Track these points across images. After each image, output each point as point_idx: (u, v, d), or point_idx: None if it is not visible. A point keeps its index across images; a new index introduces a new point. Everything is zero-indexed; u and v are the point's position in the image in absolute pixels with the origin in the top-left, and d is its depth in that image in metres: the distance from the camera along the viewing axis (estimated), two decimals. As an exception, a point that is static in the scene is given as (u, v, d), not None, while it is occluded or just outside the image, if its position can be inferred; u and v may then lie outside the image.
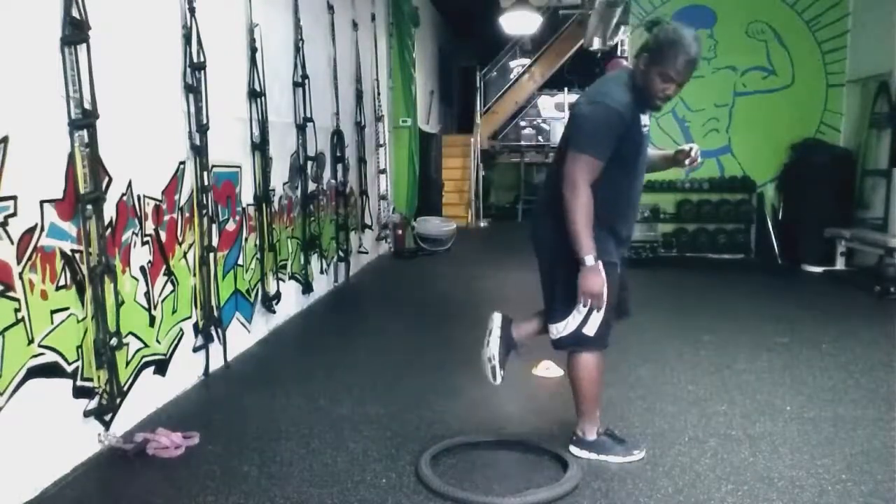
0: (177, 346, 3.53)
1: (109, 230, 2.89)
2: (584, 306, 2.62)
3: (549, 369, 3.88)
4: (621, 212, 2.75)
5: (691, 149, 2.82)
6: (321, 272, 5.91)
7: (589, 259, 2.54)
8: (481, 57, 14.12)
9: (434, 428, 3.10)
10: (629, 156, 2.66)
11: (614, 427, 3.00)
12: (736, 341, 4.51)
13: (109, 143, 2.83)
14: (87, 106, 2.67)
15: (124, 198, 3.05)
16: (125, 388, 3.01)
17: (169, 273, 3.46)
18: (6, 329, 2.36)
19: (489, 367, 2.84)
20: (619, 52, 11.37)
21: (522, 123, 14.95)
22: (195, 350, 3.71)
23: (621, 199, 2.73)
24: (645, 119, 2.70)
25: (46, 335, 2.56)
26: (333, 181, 6.23)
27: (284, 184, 5.06)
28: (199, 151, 3.64)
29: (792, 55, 7.84)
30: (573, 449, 2.83)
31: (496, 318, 2.88)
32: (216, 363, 3.88)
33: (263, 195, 4.53)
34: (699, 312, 5.42)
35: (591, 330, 2.70)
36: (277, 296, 4.77)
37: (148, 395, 3.25)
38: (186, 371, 3.62)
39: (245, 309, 4.37)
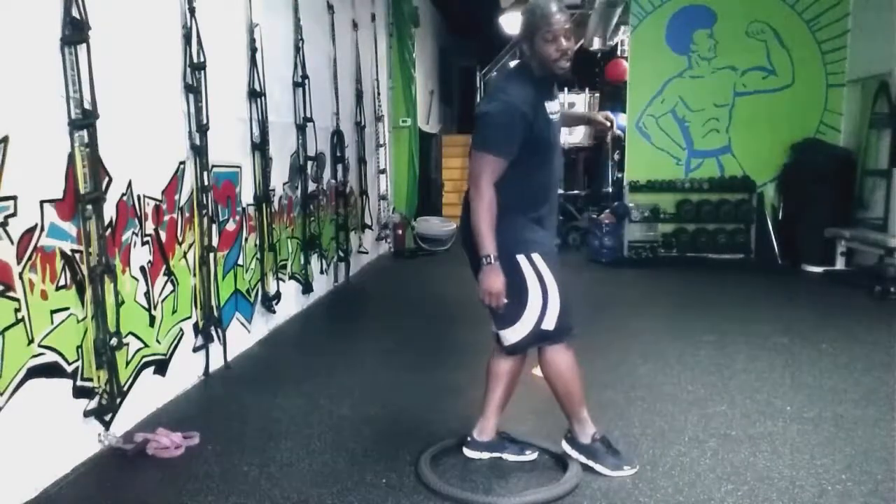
0: (177, 346, 3.53)
1: (109, 230, 2.89)
2: (485, 304, 2.55)
3: (549, 369, 3.87)
4: (542, 201, 2.67)
5: (608, 119, 2.98)
6: (321, 272, 5.91)
7: (488, 259, 2.48)
8: (481, 57, 14.12)
9: (434, 428, 3.10)
10: (541, 147, 2.60)
11: (614, 428, 3.00)
12: (736, 341, 4.51)
13: (109, 143, 2.83)
14: (87, 106, 2.68)
15: (124, 198, 3.05)
16: (125, 388, 3.01)
17: (169, 273, 3.46)
18: (6, 329, 2.36)
19: (625, 475, 2.67)
20: (619, 52, 11.39)
21: (522, 123, 14.92)
22: (195, 350, 3.71)
23: (541, 189, 2.66)
24: (552, 106, 2.63)
25: (46, 335, 2.56)
26: (333, 181, 6.23)
27: (284, 184, 5.06)
28: (199, 151, 3.64)
29: (792, 55, 7.84)
30: (565, 446, 2.78)
31: (569, 450, 2.76)
32: (216, 363, 3.88)
33: (263, 195, 4.53)
34: (699, 312, 5.41)
35: (550, 324, 2.62)
36: (277, 296, 4.77)
37: (148, 395, 3.25)
38: (186, 371, 3.62)
39: (245, 309, 4.37)
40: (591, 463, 2.71)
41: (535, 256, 2.59)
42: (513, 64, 2.82)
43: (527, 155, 2.54)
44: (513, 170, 2.52)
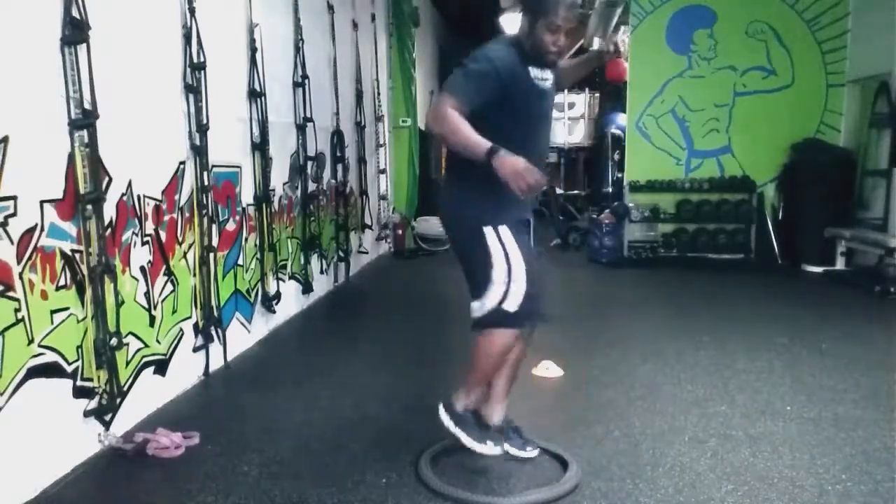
0: (177, 346, 3.53)
1: (109, 230, 2.89)
2: (520, 192, 2.26)
3: (549, 369, 3.88)
4: None
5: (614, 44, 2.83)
6: (321, 272, 5.91)
7: (490, 152, 2.27)
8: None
9: (434, 428, 3.09)
10: (517, 113, 2.50)
11: (614, 428, 3.00)
12: (736, 341, 4.51)
13: (109, 143, 2.83)
14: (87, 106, 2.67)
15: (124, 198, 3.05)
16: (125, 388, 3.01)
17: (169, 273, 3.46)
18: (6, 329, 2.36)
19: (481, 452, 2.65)
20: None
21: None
22: (195, 350, 3.71)
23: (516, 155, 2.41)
24: (539, 72, 2.56)
25: (46, 335, 2.56)
26: (333, 181, 6.23)
27: (284, 184, 5.06)
28: (199, 151, 3.64)
29: (792, 55, 7.84)
30: (440, 409, 2.69)
31: (441, 414, 2.69)
32: (216, 363, 3.88)
33: (263, 195, 4.53)
34: (699, 312, 5.41)
35: (512, 304, 2.47)
36: (277, 296, 4.77)
37: (148, 395, 3.25)
38: (186, 371, 3.62)
39: (245, 309, 4.37)
40: (456, 430, 2.65)
41: (503, 229, 2.49)
42: (508, 34, 2.75)
43: (502, 120, 2.44)
44: (487, 136, 2.33)
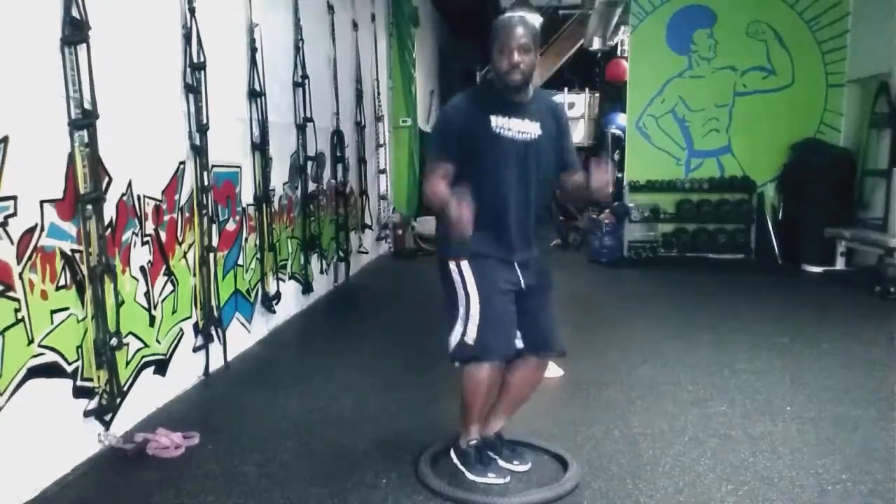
0: (177, 346, 3.53)
1: (109, 230, 2.88)
2: (452, 234, 2.38)
3: (549, 369, 3.87)
4: (491, 221, 2.55)
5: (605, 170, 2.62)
6: (321, 272, 5.91)
7: (448, 204, 2.38)
8: (481, 57, 14.11)
9: (434, 428, 3.10)
10: (481, 162, 2.56)
11: (614, 428, 2.99)
12: (736, 341, 4.51)
13: (109, 143, 2.83)
14: (87, 106, 2.67)
15: (124, 198, 3.05)
16: (125, 388, 3.01)
17: (169, 273, 3.46)
18: (6, 329, 2.36)
19: (485, 482, 2.66)
20: (619, 52, 11.40)
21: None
22: (195, 350, 3.71)
23: (489, 210, 2.52)
24: (505, 120, 2.55)
25: (46, 335, 2.56)
26: (333, 181, 6.23)
27: (284, 184, 5.06)
28: (199, 151, 3.64)
29: (792, 55, 7.85)
30: (452, 451, 2.76)
31: (451, 455, 2.76)
32: (216, 363, 3.88)
33: (263, 195, 4.53)
34: (699, 312, 5.41)
35: (470, 337, 2.55)
36: (277, 296, 4.77)
37: (148, 395, 3.25)
38: (186, 371, 3.62)
39: (245, 309, 4.37)
40: (461, 467, 2.69)
41: (464, 264, 2.56)
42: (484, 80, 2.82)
43: (469, 170, 2.54)
44: (458, 177, 2.52)
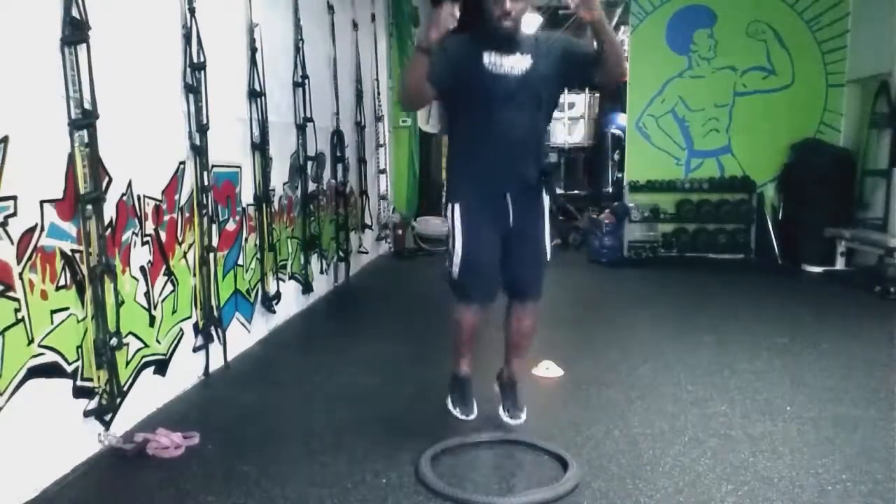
0: (177, 346, 3.53)
1: (109, 230, 2.88)
2: (431, 32, 2.56)
3: (549, 369, 3.88)
4: (476, 154, 2.78)
5: None
6: (321, 272, 5.91)
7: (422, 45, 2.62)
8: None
9: (434, 428, 3.10)
10: (471, 96, 2.73)
11: (614, 427, 2.99)
12: (736, 341, 4.51)
13: (109, 143, 2.83)
14: (87, 106, 2.67)
15: (124, 198, 3.05)
16: (125, 388, 3.01)
17: (169, 273, 3.46)
18: (6, 329, 2.36)
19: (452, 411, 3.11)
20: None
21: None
22: (195, 350, 3.71)
23: (475, 143, 2.77)
24: (498, 58, 2.70)
25: (46, 335, 2.56)
26: (333, 181, 6.23)
27: (284, 184, 5.06)
28: (199, 151, 3.64)
29: (792, 55, 7.85)
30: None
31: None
32: (216, 363, 3.88)
33: (263, 195, 4.53)
34: (699, 312, 5.42)
35: (455, 269, 2.85)
36: (277, 296, 4.77)
37: (148, 395, 3.24)
38: (186, 371, 3.62)
39: (245, 309, 4.37)
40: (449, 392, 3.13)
41: (456, 206, 2.82)
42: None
43: (460, 104, 2.78)
44: (453, 120, 2.84)
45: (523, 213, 2.83)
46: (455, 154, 2.88)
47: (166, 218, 3.43)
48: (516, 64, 2.71)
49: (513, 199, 2.80)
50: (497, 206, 2.81)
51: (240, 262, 4.30)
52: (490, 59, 2.69)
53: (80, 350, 2.73)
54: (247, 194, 4.38)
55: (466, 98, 2.74)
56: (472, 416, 3.06)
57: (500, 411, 3.10)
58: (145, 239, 3.24)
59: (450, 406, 3.14)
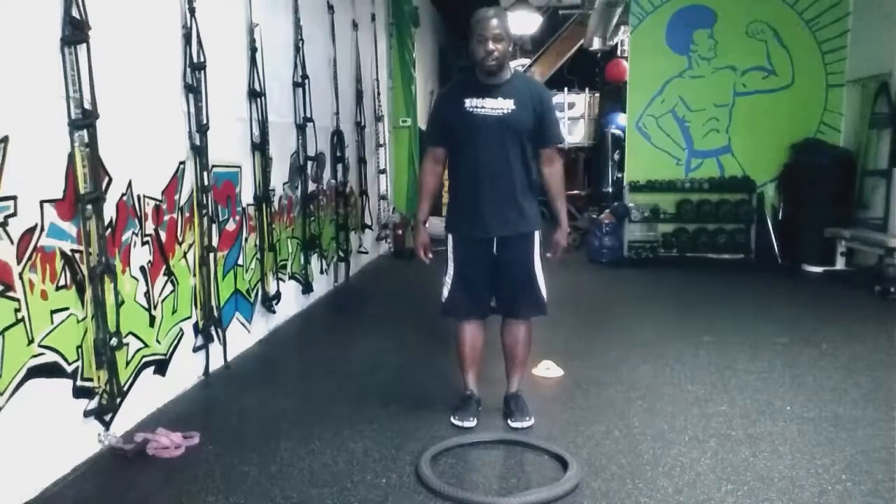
0: (177, 346, 3.53)
1: (109, 230, 2.89)
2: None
3: (549, 369, 3.89)
4: (462, 189, 3.09)
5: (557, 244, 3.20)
6: (321, 272, 5.91)
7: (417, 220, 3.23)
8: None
9: (434, 428, 3.10)
10: (456, 138, 3.04)
11: (614, 427, 2.99)
12: (736, 341, 4.51)
13: (109, 143, 2.83)
14: (87, 106, 2.67)
15: (124, 198, 3.05)
16: (125, 388, 3.01)
17: (169, 273, 3.46)
18: (6, 329, 2.36)
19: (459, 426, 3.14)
20: (619, 52, 11.39)
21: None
22: (195, 350, 3.71)
23: (462, 179, 3.08)
24: (479, 101, 2.98)
25: (46, 335, 2.56)
26: (333, 181, 6.23)
27: (284, 184, 5.06)
28: (199, 151, 3.64)
29: (792, 55, 7.84)
30: None
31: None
32: (216, 363, 3.88)
33: (263, 195, 4.53)
34: (699, 312, 5.42)
35: (443, 296, 3.18)
36: (277, 296, 4.77)
37: (148, 395, 3.25)
38: (186, 371, 3.62)
39: (245, 309, 4.37)
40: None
41: (451, 237, 3.16)
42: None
43: (454, 147, 3.07)
44: (450, 157, 3.12)
45: (508, 247, 3.07)
46: (450, 188, 3.18)
47: (166, 218, 3.43)
48: (497, 106, 2.97)
49: (498, 239, 3.06)
50: (482, 240, 3.07)
51: (240, 262, 4.30)
52: (472, 102, 2.97)
53: (80, 350, 2.73)
54: (247, 194, 4.38)
55: (454, 139, 3.05)
56: (472, 424, 3.12)
57: (510, 421, 3.15)
58: (145, 239, 3.24)
59: (452, 417, 3.18)
